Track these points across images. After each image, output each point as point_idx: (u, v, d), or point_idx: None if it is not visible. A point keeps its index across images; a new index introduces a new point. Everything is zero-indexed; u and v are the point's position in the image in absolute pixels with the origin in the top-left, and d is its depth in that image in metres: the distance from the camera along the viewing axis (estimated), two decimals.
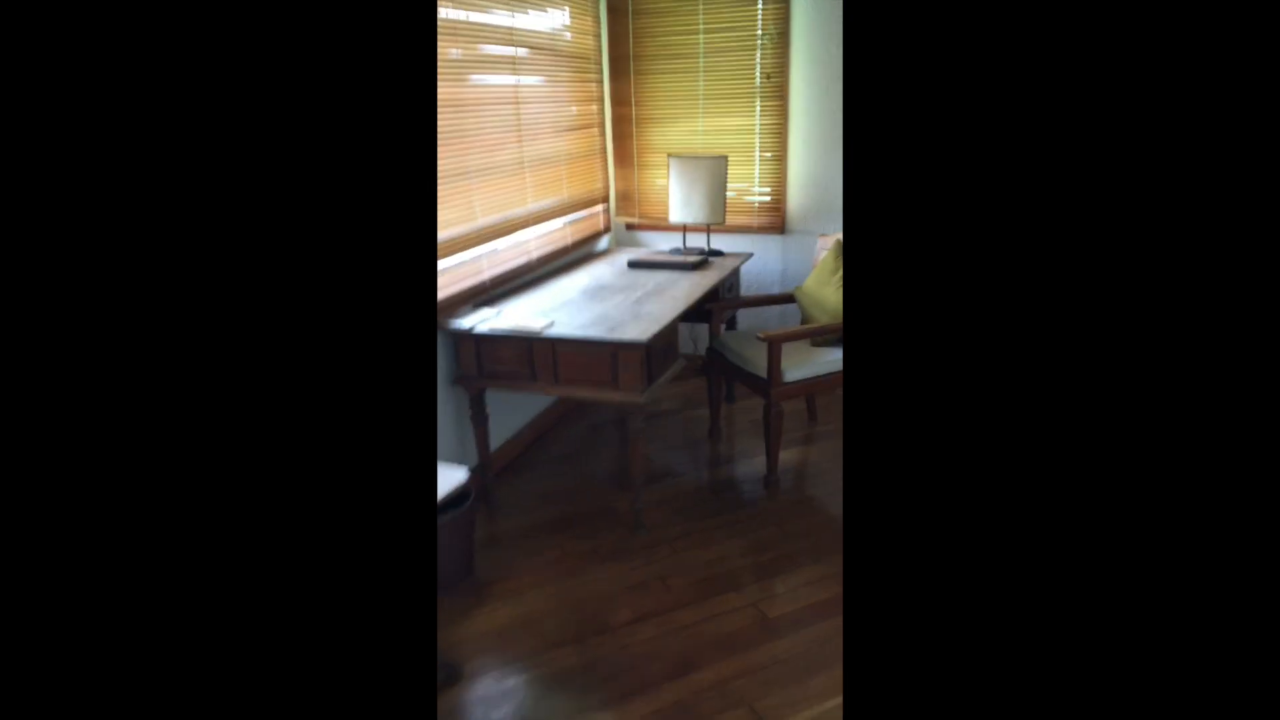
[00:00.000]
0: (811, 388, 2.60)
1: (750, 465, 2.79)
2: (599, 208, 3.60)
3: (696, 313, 2.88)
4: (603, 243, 3.69)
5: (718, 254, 3.26)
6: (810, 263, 3.32)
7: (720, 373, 2.88)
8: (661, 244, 3.74)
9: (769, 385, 2.52)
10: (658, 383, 2.33)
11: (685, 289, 2.68)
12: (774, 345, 2.46)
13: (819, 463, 2.81)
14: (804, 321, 2.88)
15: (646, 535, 2.35)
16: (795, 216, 3.47)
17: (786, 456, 2.85)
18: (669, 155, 3.24)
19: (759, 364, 2.57)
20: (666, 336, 2.36)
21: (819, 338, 2.64)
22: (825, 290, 2.72)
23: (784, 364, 2.53)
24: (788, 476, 2.70)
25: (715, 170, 3.16)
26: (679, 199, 3.23)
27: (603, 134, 3.57)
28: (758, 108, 3.38)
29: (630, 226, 3.78)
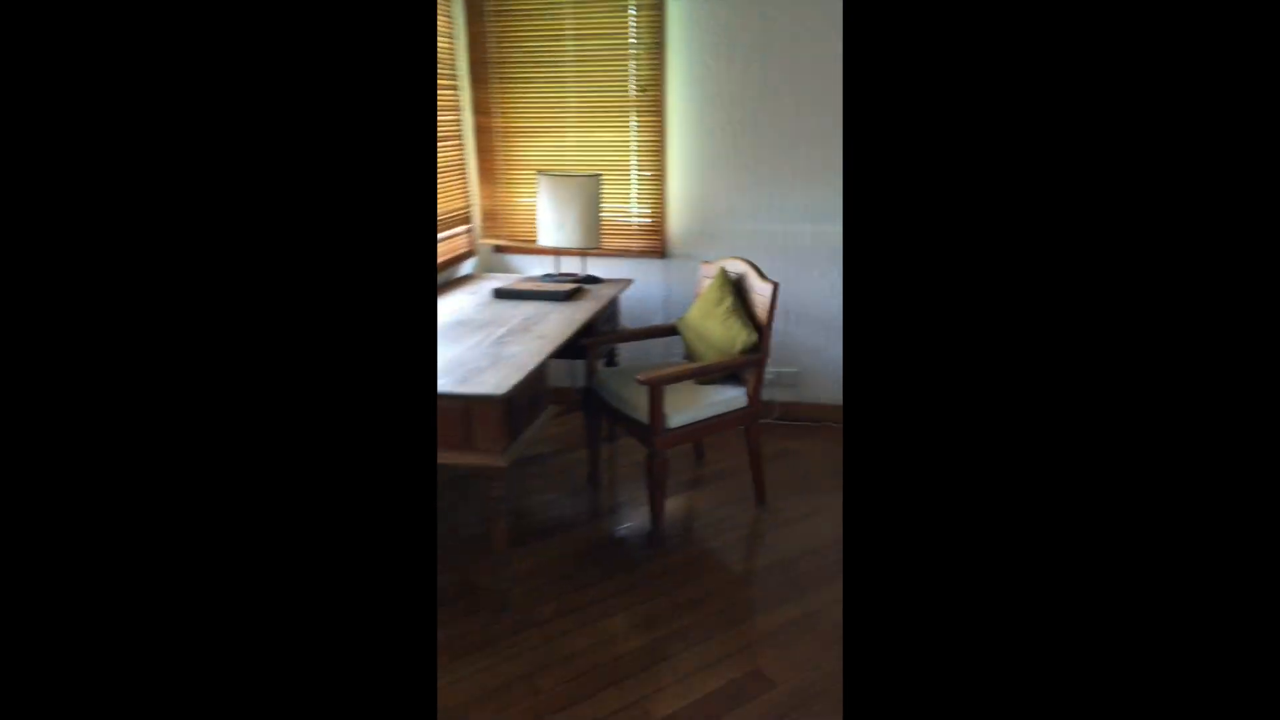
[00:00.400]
0: (700, 432, 2.34)
1: (635, 517, 2.50)
2: (461, 229, 3.21)
3: (571, 348, 2.56)
4: (466, 267, 3.30)
5: (594, 280, 2.97)
6: (695, 289, 3.08)
7: (599, 414, 2.57)
8: (533, 268, 3.40)
9: (651, 433, 2.23)
10: (522, 438, 1.99)
11: (557, 324, 2.36)
12: (655, 389, 2.18)
13: (710, 511, 2.55)
14: (688, 356, 2.63)
15: (513, 617, 2.00)
16: (677, 240, 3.24)
17: (674, 505, 2.58)
18: (539, 173, 2.92)
19: (640, 407, 2.28)
20: (532, 384, 2.02)
21: (706, 376, 2.39)
22: (710, 323, 2.48)
23: (668, 408, 2.25)
24: (676, 530, 2.43)
25: (588, 189, 2.87)
26: (550, 220, 2.91)
27: (463, 147, 3.20)
28: (633, 123, 3.12)
29: (498, 249, 3.41)
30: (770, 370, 3.25)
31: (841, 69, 2.87)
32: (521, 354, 2.05)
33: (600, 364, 3.02)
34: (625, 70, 3.06)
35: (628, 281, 3.02)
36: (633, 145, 3.15)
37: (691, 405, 2.31)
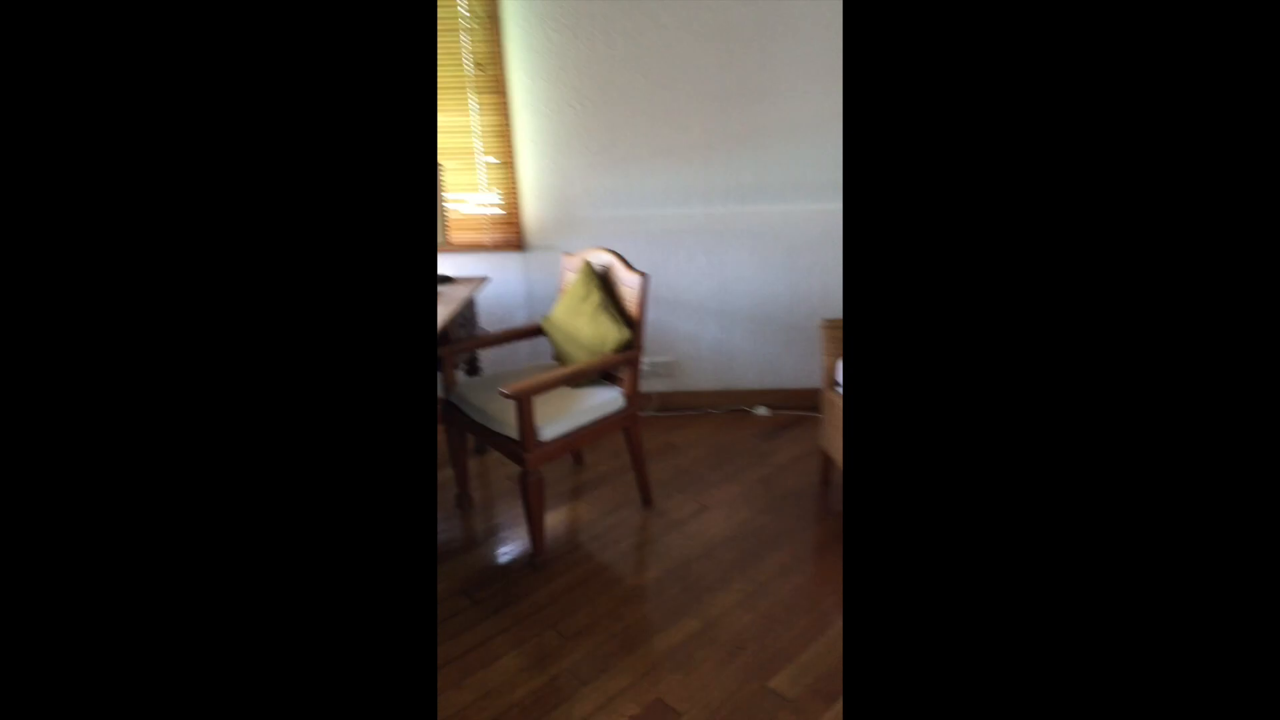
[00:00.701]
0: (577, 441, 2.15)
1: (514, 540, 2.28)
2: None
3: None
4: None
5: (444, 280, 2.68)
6: (558, 284, 2.88)
7: (464, 429, 2.31)
8: None
9: (523, 449, 2.02)
10: None
11: None
12: (523, 401, 1.97)
13: (595, 521, 2.38)
14: (557, 357, 2.43)
15: None
16: (535, 230, 3.00)
17: (555, 519, 2.38)
18: None
19: (507, 421, 2.06)
20: None
21: (578, 380, 2.20)
22: (578, 321, 2.28)
23: (539, 419, 2.04)
24: (560, 548, 2.24)
25: None
26: None
27: None
28: (473, 103, 2.84)
29: None
30: (645, 361, 3.11)
31: (693, 36, 2.73)
32: None
33: (460, 374, 2.75)
34: (458, 45, 2.77)
35: (483, 279, 2.76)
36: (475, 128, 2.87)
37: (565, 413, 2.11)
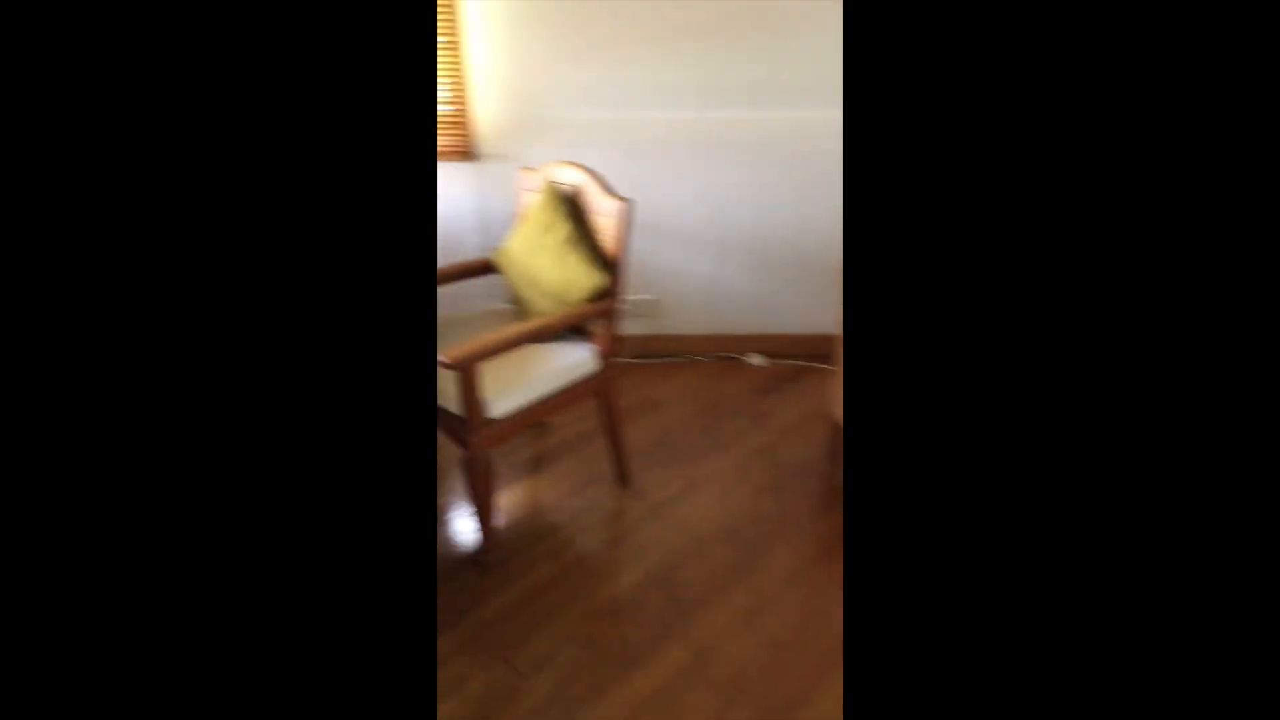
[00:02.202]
0: (536, 415, 1.69)
1: (459, 530, 1.86)
2: None
3: None
4: None
5: None
6: (515, 205, 2.34)
7: None
8: None
9: (467, 429, 1.56)
10: None
11: None
12: (467, 371, 1.49)
13: (559, 504, 1.96)
14: (514, 302, 1.93)
15: None
16: (489, 135, 2.43)
17: (512, 500, 1.96)
18: None
19: (446, 391, 1.59)
20: None
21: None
22: (540, 259, 1.78)
23: (488, 391, 1.57)
24: (516, 541, 1.82)
25: None
26: None
27: None
28: None
29: None
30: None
31: None
32: None
33: None
34: None
35: None
36: None
37: (521, 381, 1.65)
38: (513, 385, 1.63)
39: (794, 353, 2.72)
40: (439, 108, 2.36)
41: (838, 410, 1.97)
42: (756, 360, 2.72)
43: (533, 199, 1.90)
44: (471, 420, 1.54)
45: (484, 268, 1.98)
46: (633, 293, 2.64)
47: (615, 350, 1.84)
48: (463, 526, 1.86)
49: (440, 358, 1.45)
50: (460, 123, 2.39)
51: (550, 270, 1.75)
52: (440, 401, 1.61)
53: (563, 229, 1.75)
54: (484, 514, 1.66)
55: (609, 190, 1.74)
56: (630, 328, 2.70)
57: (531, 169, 1.95)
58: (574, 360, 1.75)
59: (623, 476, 2.01)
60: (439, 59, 2.31)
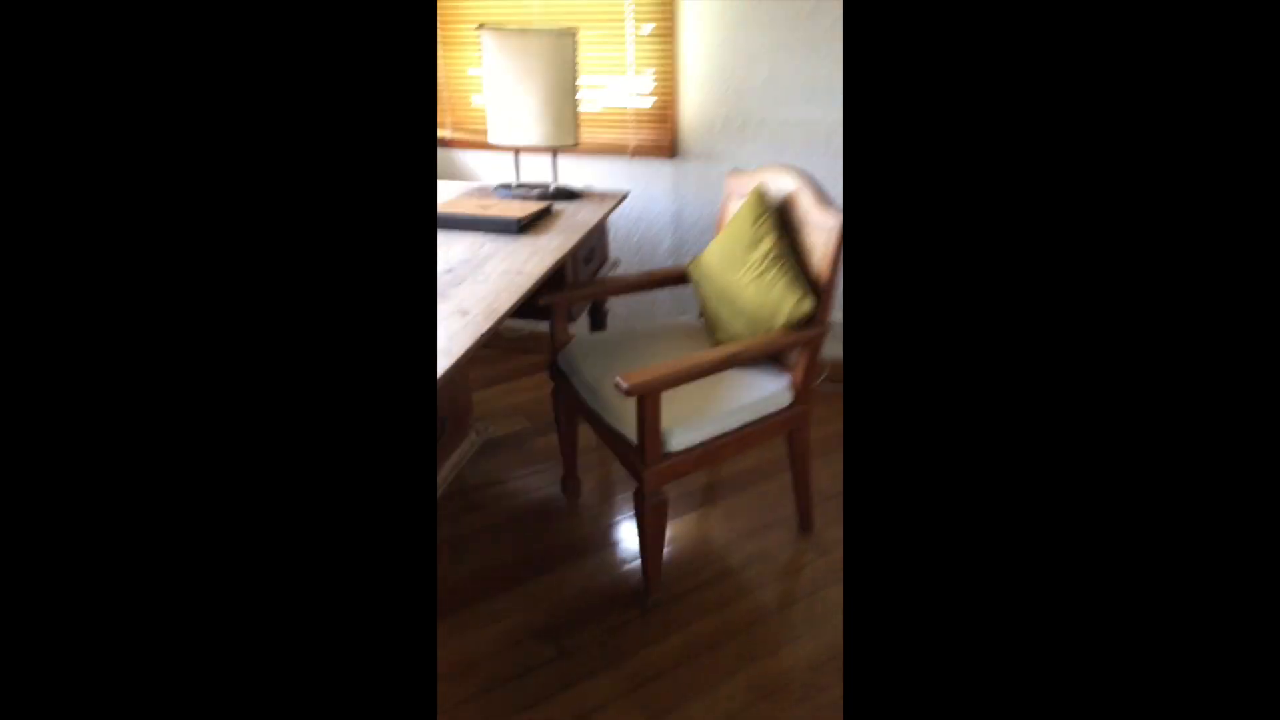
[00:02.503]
0: (720, 453, 1.51)
1: (625, 559, 1.73)
2: None
3: (530, 306, 1.69)
4: None
5: (568, 195, 2.05)
6: (719, 212, 2.16)
7: (574, 403, 1.74)
8: (488, 171, 2.47)
9: (641, 459, 1.41)
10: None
11: (502, 278, 1.49)
12: (648, 400, 1.34)
13: (730, 546, 1.77)
14: (706, 318, 1.76)
15: None
16: (693, 132, 2.27)
17: (678, 532, 1.81)
18: (481, 28, 1.93)
19: (625, 417, 1.45)
20: (440, 404, 1.19)
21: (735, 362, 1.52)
22: (739, 276, 1.58)
23: (669, 420, 1.42)
24: (680, 582, 1.66)
25: (558, 54, 1.89)
26: (501, 105, 1.95)
27: None
28: None
29: (443, 143, 2.47)
30: None
31: None
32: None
33: (578, 328, 2.16)
34: None
35: (622, 195, 2.09)
36: None
37: (705, 413, 1.47)
38: (696, 417, 1.46)
39: None
40: (642, 101, 2.24)
41: None
42: None
43: (737, 206, 1.70)
44: (647, 452, 1.40)
45: (676, 278, 1.83)
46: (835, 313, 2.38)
47: (812, 381, 1.61)
48: (627, 559, 1.73)
49: (619, 382, 1.31)
50: (665, 119, 2.25)
51: (750, 290, 1.55)
52: (615, 424, 1.48)
53: (768, 243, 1.54)
54: (652, 553, 1.51)
55: (826, 201, 1.51)
56: (827, 350, 2.44)
57: (740, 173, 1.76)
58: (767, 393, 1.55)
59: (805, 522, 1.78)
60: (649, 50, 2.18)
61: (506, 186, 2.09)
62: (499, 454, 2.11)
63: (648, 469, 1.41)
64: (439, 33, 2.30)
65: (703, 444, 1.47)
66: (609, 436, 1.54)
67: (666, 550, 1.73)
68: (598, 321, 2.06)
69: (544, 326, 2.23)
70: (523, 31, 1.87)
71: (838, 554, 1.73)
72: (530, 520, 1.85)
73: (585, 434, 2.06)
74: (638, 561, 1.69)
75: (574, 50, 1.91)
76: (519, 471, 2.04)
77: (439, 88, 2.38)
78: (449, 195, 2.06)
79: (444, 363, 1.17)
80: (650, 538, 1.49)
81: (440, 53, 2.33)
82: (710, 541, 1.78)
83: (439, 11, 2.27)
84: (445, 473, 1.49)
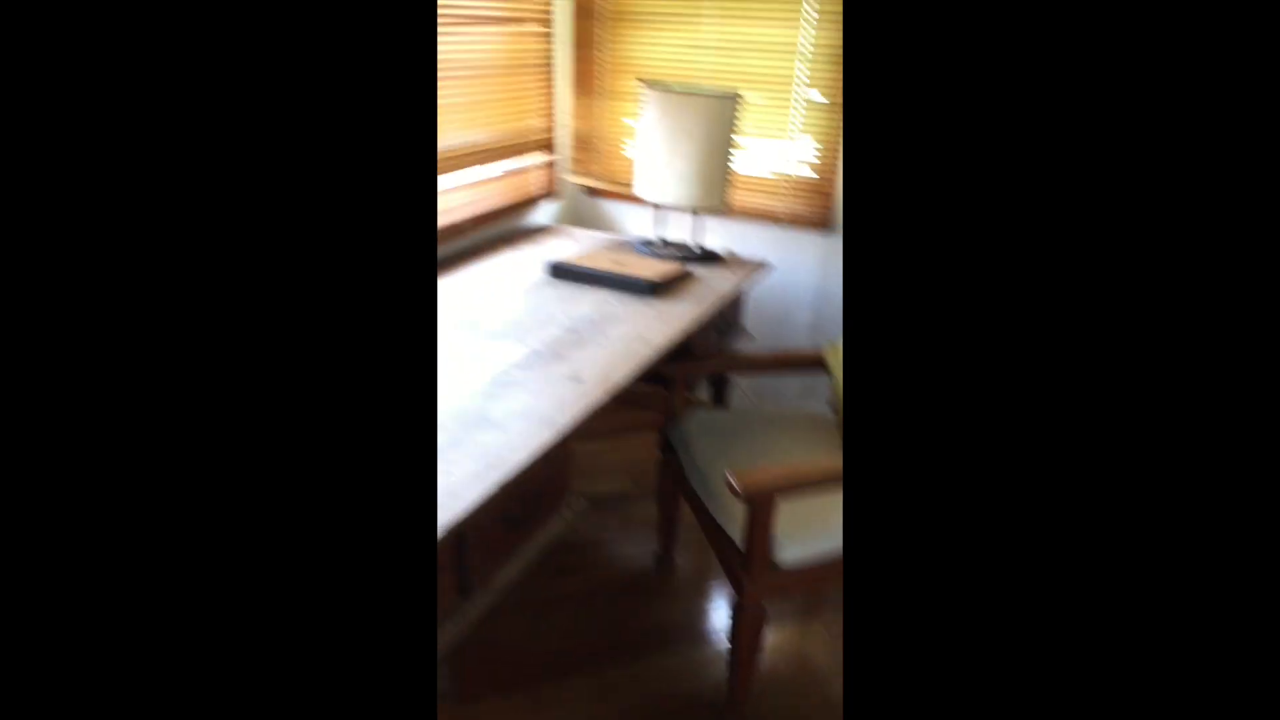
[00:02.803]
0: (833, 574, 1.34)
1: (712, 654, 1.58)
2: (539, 159, 2.29)
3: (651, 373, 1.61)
4: (543, 214, 2.40)
5: (709, 258, 1.96)
6: None
7: (677, 481, 1.63)
8: (635, 223, 2.44)
9: (745, 569, 1.27)
10: (495, 585, 1.11)
11: (624, 344, 1.42)
12: (760, 504, 1.21)
13: (827, 668, 1.58)
14: (836, 407, 1.60)
15: None
16: None
17: (777, 642, 1.63)
18: (641, 81, 1.90)
19: (732, 515, 1.32)
20: (534, 475, 1.12)
21: None
22: None
23: (782, 530, 1.27)
24: (770, 697, 1.49)
25: (719, 117, 1.82)
26: (652, 160, 1.91)
27: (550, 36, 2.22)
28: (809, 10, 1.99)
29: (591, 192, 2.47)
30: None
31: None
32: (536, 410, 1.14)
33: (699, 399, 2.05)
34: None
35: (761, 265, 1.98)
36: (804, 47, 2.03)
37: (823, 526, 1.31)
38: (812, 529, 1.30)
39: None
40: (801, 170, 2.13)
41: None
42: None
43: None
44: (753, 562, 1.25)
45: (809, 361, 1.68)
46: None
47: None
48: (715, 660, 1.58)
49: (730, 479, 1.19)
50: (824, 191, 2.13)
51: None
52: (721, 519, 1.36)
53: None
54: (743, 668, 1.36)
55: None
56: None
57: None
58: None
59: None
60: (816, 118, 2.07)
61: (648, 243, 2.03)
62: (598, 514, 2.02)
63: (751, 581, 1.27)
64: (608, 83, 2.31)
65: (816, 561, 1.31)
66: (712, 530, 1.41)
67: (759, 666, 1.56)
68: (720, 393, 1.94)
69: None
70: (686, 93, 1.82)
71: None
72: (620, 595, 1.74)
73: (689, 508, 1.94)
74: (724, 666, 1.54)
75: (735, 114, 1.83)
76: (616, 535, 1.94)
77: (597, 139, 2.38)
78: (589, 246, 2.03)
79: (547, 434, 1.10)
80: (744, 653, 1.34)
81: (601, 102, 2.34)
82: (810, 662, 1.60)
83: (610, 59, 2.28)
84: (538, 539, 1.42)
